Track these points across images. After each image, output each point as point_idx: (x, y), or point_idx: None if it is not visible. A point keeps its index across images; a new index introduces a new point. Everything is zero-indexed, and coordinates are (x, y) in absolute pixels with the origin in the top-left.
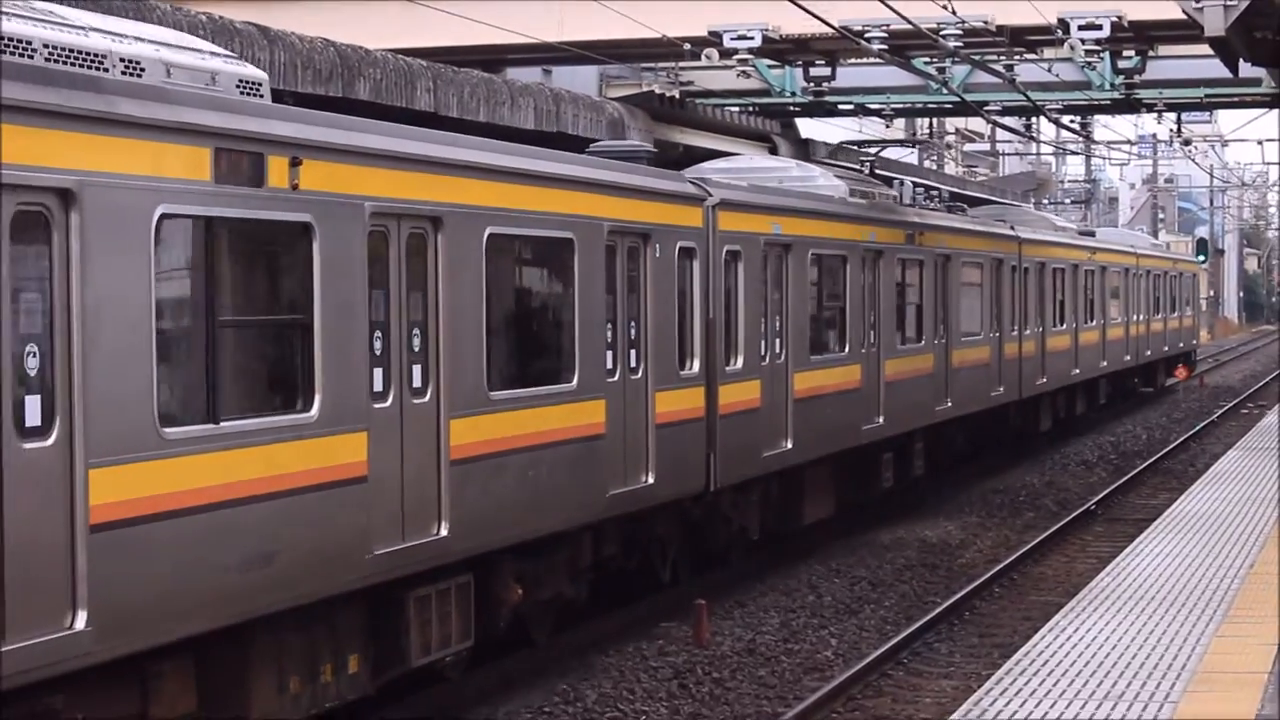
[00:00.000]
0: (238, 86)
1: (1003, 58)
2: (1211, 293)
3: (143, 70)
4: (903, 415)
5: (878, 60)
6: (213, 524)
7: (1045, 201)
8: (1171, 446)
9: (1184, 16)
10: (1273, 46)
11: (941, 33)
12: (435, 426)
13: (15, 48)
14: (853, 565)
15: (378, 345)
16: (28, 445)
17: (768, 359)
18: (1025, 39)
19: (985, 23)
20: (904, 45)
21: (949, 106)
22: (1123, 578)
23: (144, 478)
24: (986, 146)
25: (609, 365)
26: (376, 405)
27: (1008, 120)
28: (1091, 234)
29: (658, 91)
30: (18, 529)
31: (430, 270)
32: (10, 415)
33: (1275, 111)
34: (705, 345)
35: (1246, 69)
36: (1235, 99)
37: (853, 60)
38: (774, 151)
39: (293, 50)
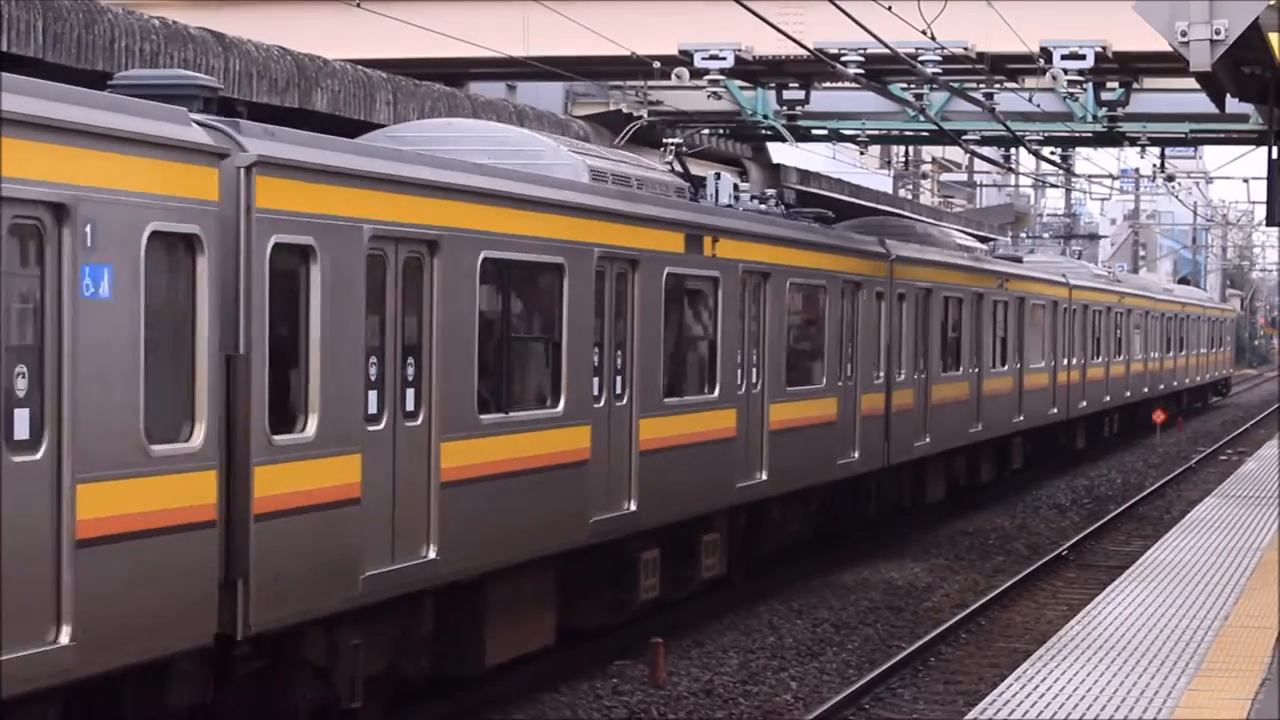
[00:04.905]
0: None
1: (982, 86)
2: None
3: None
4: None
5: (853, 85)
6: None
7: (1023, 235)
8: (1147, 492)
9: (1170, 48)
10: (1261, 82)
11: (920, 58)
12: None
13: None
14: (815, 606)
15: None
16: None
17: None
18: (1006, 67)
19: (965, 49)
20: (881, 70)
21: (926, 134)
22: (1093, 626)
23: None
24: (964, 177)
25: (840, 372)
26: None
27: (986, 150)
28: (1171, 290)
29: (625, 111)
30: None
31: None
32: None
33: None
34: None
35: (1234, 104)
36: (1221, 135)
37: (828, 84)
38: (744, 176)
39: (248, 58)
